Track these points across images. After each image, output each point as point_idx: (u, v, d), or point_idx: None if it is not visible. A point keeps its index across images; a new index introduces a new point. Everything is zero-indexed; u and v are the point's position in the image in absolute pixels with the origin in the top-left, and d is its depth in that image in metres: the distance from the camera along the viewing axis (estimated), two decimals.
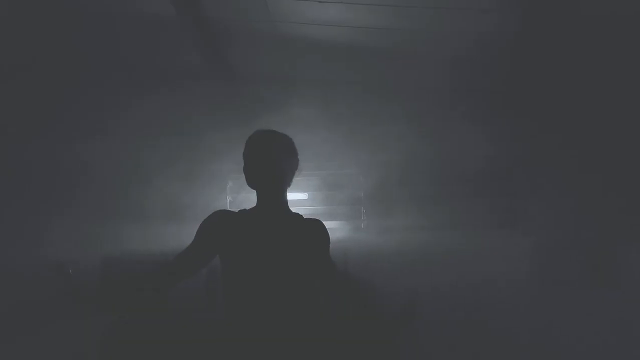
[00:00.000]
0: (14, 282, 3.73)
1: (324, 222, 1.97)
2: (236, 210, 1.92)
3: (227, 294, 1.82)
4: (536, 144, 3.91)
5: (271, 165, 1.86)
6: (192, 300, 3.83)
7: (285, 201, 1.92)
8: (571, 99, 3.94)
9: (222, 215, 1.88)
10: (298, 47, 3.57)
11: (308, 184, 3.79)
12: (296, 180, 1.98)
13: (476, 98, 3.98)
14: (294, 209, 1.95)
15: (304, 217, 1.95)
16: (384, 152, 3.89)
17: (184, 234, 3.71)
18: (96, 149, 4.00)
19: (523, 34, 3.26)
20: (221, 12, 3.25)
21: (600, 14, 3.02)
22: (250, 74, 4.02)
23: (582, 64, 3.64)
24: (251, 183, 1.88)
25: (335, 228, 3.82)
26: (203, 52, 3.60)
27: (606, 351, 3.54)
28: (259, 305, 1.75)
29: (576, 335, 3.59)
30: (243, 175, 4.06)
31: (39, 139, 4.02)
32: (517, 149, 3.91)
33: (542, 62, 3.64)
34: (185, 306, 3.81)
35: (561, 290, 3.71)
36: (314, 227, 1.93)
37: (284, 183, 1.90)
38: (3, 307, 3.72)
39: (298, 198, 3.75)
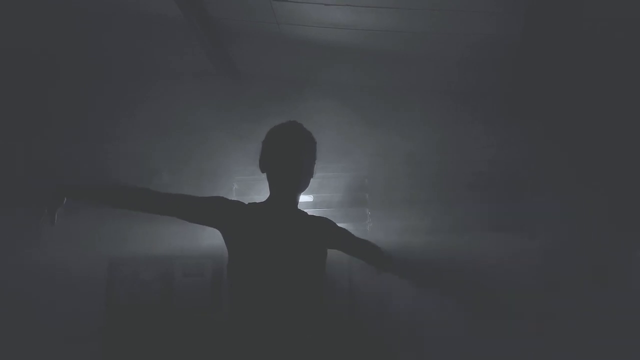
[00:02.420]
0: (15, 282, 3.75)
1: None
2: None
3: (233, 286, 1.79)
4: (541, 146, 3.90)
5: (297, 175, 1.86)
6: (196, 302, 3.83)
7: (297, 201, 1.93)
8: (576, 102, 3.92)
9: (236, 201, 1.89)
10: (303, 49, 3.57)
11: (313, 185, 3.77)
12: None
13: (482, 100, 3.97)
14: None
15: (310, 215, 1.95)
16: (389, 154, 3.89)
17: (188, 235, 3.74)
18: (100, 149, 4.01)
19: (528, 36, 3.25)
20: (226, 13, 3.26)
21: (605, 16, 3.02)
22: (255, 76, 4.03)
23: (587, 68, 3.63)
24: (272, 183, 1.88)
25: None
26: (208, 53, 3.61)
27: (612, 353, 3.52)
28: (266, 297, 1.73)
29: (582, 336, 3.57)
30: (248, 177, 4.06)
31: (44, 138, 4.04)
32: (522, 151, 3.90)
33: (546, 65, 3.63)
34: (189, 307, 3.82)
35: (567, 293, 3.70)
36: (322, 223, 1.93)
37: (303, 189, 1.91)
38: (5, 307, 3.74)
39: (303, 200, 3.74)
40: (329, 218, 2.00)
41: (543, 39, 3.26)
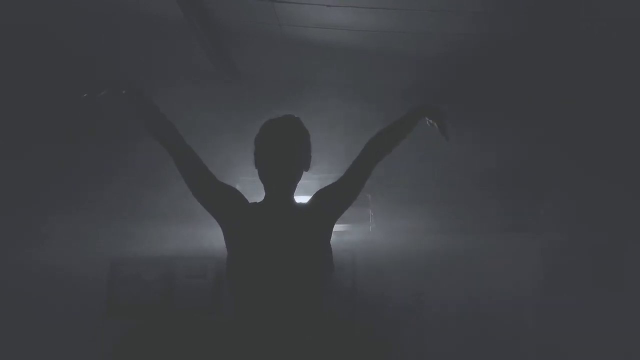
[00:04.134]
0: (16, 282, 3.75)
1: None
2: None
3: (231, 286, 1.76)
4: (544, 146, 3.91)
5: (291, 169, 1.83)
6: (198, 303, 3.83)
7: (291, 194, 1.88)
8: (577, 102, 3.93)
9: (243, 196, 1.87)
10: (304, 49, 3.57)
11: (314, 187, 3.77)
12: (302, 183, 1.94)
13: (483, 101, 3.98)
14: None
15: (305, 203, 1.89)
16: (391, 155, 3.87)
17: (190, 236, 3.74)
18: (102, 150, 4.01)
19: (528, 36, 3.27)
20: (228, 14, 3.26)
21: (603, 17, 3.03)
22: (256, 77, 4.03)
23: (586, 67, 3.64)
24: (264, 179, 1.85)
25: (342, 231, 3.81)
26: (209, 54, 3.61)
27: (613, 353, 3.52)
28: (264, 296, 1.69)
29: (583, 339, 3.57)
30: (251, 178, 4.05)
31: (48, 142, 4.04)
32: (524, 151, 3.90)
33: (545, 65, 3.64)
34: (190, 308, 3.81)
35: (569, 294, 3.70)
36: (317, 202, 1.87)
37: (297, 181, 1.87)
38: (6, 307, 3.74)
39: (305, 201, 3.74)
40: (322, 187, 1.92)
41: (544, 39, 3.27)
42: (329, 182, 3.98)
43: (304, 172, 1.92)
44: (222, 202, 1.81)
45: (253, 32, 3.41)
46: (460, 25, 3.17)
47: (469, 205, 3.84)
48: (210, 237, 3.65)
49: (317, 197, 1.89)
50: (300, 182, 1.92)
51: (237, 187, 3.91)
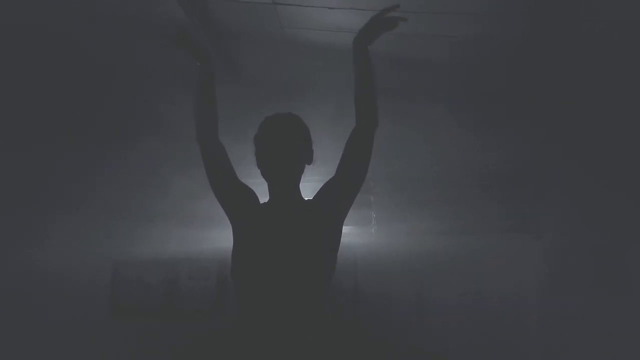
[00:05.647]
0: (18, 283, 3.75)
1: None
2: None
3: (236, 285, 1.77)
4: (546, 147, 3.91)
5: (291, 163, 1.83)
6: (201, 305, 3.83)
7: (299, 190, 1.89)
8: (578, 103, 3.93)
9: (256, 197, 1.89)
10: (307, 52, 3.57)
11: (316, 189, 3.77)
12: (303, 185, 1.94)
13: (485, 102, 3.98)
14: None
15: (311, 200, 1.89)
16: (394, 157, 3.89)
17: (194, 237, 3.74)
18: (104, 150, 4.00)
19: (529, 37, 3.27)
20: (229, 16, 3.25)
21: (604, 18, 3.03)
22: (258, 79, 4.03)
23: (590, 67, 3.64)
24: (267, 177, 1.86)
25: (344, 233, 3.80)
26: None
27: (615, 355, 3.53)
28: (267, 296, 1.70)
29: (585, 340, 3.58)
30: (253, 180, 4.05)
31: (48, 142, 4.03)
32: (525, 152, 3.91)
33: (547, 66, 3.64)
34: (193, 310, 3.81)
35: (571, 295, 3.70)
36: (319, 199, 1.86)
37: (300, 176, 1.88)
38: (7, 308, 3.74)
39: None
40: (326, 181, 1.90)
41: (547, 42, 3.28)
42: None
43: (307, 173, 1.94)
44: (237, 200, 1.84)
45: (254, 34, 3.41)
46: (462, 27, 3.17)
47: (471, 206, 3.85)
48: (213, 239, 3.65)
49: (323, 190, 1.89)
50: (301, 184, 1.92)
51: None
